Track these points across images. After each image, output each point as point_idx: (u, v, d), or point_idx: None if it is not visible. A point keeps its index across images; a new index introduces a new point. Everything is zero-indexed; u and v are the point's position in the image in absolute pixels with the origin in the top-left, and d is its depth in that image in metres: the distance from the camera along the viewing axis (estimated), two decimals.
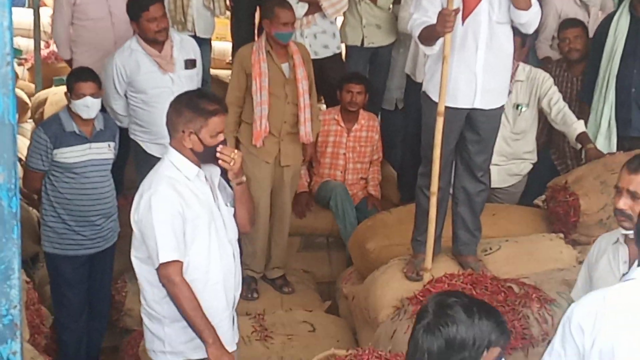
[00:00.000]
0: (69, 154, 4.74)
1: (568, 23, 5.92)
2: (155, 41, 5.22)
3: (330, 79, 6.33)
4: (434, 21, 4.11)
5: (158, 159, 5.06)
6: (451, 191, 4.58)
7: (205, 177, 3.62)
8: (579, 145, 5.31)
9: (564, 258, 4.64)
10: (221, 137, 3.57)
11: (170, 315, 3.57)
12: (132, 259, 3.61)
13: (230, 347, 3.65)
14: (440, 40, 4.14)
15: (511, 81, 5.17)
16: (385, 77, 6.76)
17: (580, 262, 4.38)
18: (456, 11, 4.04)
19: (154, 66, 5.22)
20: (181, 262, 3.46)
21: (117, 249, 5.01)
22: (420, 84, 6.00)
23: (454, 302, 2.47)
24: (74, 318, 4.90)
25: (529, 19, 4.23)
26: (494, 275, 4.32)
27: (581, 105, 5.70)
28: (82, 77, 4.80)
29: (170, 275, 3.43)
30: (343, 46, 6.69)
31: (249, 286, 5.46)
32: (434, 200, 4.26)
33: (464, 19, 4.17)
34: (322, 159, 6.15)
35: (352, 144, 6.14)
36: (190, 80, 5.29)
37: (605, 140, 5.46)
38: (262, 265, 5.57)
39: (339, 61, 6.57)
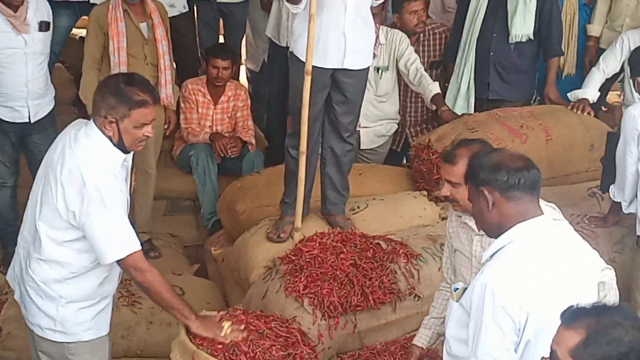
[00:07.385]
0: None
1: None
2: (10, 3, 4.94)
3: (183, 39, 6.18)
4: None
5: (5, 122, 5.00)
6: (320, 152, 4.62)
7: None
8: (434, 107, 5.43)
9: (427, 215, 4.75)
10: (147, 130, 3.33)
11: (67, 296, 3.41)
12: (43, 237, 3.35)
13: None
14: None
15: (376, 44, 5.23)
16: (241, 38, 6.69)
17: (444, 219, 4.52)
18: None
19: (7, 26, 4.96)
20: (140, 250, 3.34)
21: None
22: (284, 48, 6.03)
23: None
24: None
25: None
26: (363, 233, 4.39)
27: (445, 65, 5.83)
28: None
29: (137, 263, 3.31)
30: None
31: None
32: (303, 160, 4.27)
33: None
34: (187, 126, 5.94)
35: (220, 116, 5.99)
36: (43, 43, 5.10)
37: (464, 101, 5.60)
38: None
39: (190, 20, 6.45)
